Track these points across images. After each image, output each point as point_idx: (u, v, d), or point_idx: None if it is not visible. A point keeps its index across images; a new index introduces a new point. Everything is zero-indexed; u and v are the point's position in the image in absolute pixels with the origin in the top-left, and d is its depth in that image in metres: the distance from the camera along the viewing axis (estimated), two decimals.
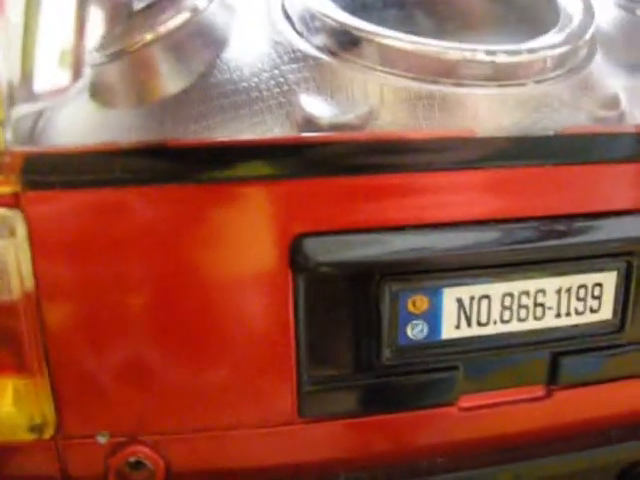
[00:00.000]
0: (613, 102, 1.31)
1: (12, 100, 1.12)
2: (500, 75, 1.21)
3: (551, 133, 1.19)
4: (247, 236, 1.13)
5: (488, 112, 1.22)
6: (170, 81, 1.20)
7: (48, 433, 1.17)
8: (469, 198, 1.19)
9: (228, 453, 1.24)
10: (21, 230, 1.07)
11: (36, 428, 1.17)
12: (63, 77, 1.30)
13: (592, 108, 1.29)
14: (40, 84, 1.26)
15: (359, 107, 1.20)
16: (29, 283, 1.09)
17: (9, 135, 1.06)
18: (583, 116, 1.27)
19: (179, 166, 1.10)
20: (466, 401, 1.30)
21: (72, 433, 1.18)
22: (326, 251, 1.14)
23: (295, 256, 1.13)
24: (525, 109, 1.24)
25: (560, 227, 1.23)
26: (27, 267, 1.08)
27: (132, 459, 1.20)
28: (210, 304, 1.16)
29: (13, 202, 1.05)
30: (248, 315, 1.17)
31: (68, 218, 1.09)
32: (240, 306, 1.16)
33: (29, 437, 1.17)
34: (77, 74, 1.23)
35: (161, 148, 1.09)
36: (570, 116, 1.26)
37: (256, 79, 1.24)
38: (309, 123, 1.18)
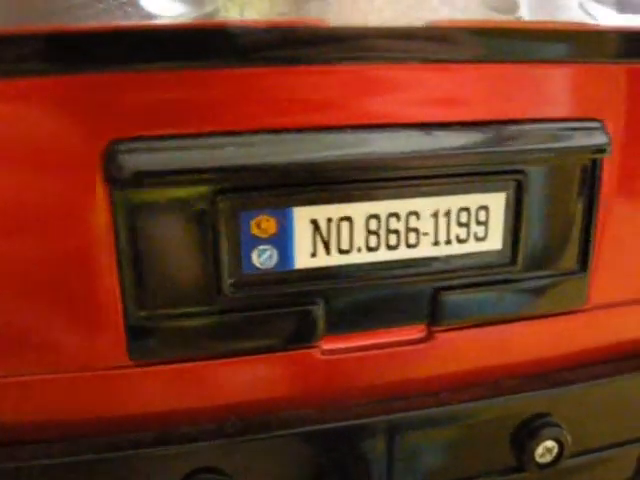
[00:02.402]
0: (509, 6, 1.14)
1: None
2: None
3: (420, 24, 1.01)
4: (53, 141, 0.95)
5: (351, 5, 1.05)
6: None
7: None
8: (322, 97, 1.01)
9: (49, 401, 1.07)
10: None
11: None
12: None
13: (483, 10, 1.13)
14: None
15: (206, 5, 1.03)
16: None
17: None
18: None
19: None
20: (330, 343, 1.13)
21: None
22: (146, 159, 0.96)
23: (108, 166, 0.95)
24: (397, 4, 1.06)
25: (434, 135, 1.04)
26: None
27: None
28: (13, 230, 0.98)
29: None
30: (59, 240, 0.99)
31: None
32: (49, 231, 0.98)
33: None
34: None
35: None
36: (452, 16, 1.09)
37: None
38: None
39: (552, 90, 1.12)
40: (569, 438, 1.22)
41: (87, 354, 1.05)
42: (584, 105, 1.13)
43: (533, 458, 1.21)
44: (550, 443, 1.22)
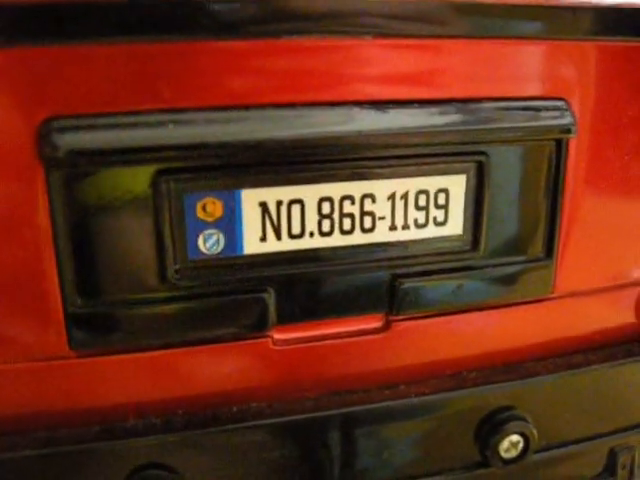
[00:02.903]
0: None
1: None
2: None
3: None
4: None
5: None
6: None
7: None
8: (269, 73, 0.95)
9: None
10: None
11: None
12: None
13: None
14: None
15: None
16: None
17: None
18: None
19: None
20: (282, 333, 1.08)
21: None
22: (81, 137, 0.90)
23: (43, 145, 0.90)
24: None
25: (390, 114, 0.99)
26: None
27: None
28: None
29: None
30: None
31: None
32: None
33: None
34: None
35: None
36: None
37: None
38: None
39: (515, 68, 1.06)
40: (535, 432, 1.17)
41: (26, 344, 1.00)
42: (548, 84, 1.08)
43: (498, 453, 1.17)
44: (515, 437, 1.17)
